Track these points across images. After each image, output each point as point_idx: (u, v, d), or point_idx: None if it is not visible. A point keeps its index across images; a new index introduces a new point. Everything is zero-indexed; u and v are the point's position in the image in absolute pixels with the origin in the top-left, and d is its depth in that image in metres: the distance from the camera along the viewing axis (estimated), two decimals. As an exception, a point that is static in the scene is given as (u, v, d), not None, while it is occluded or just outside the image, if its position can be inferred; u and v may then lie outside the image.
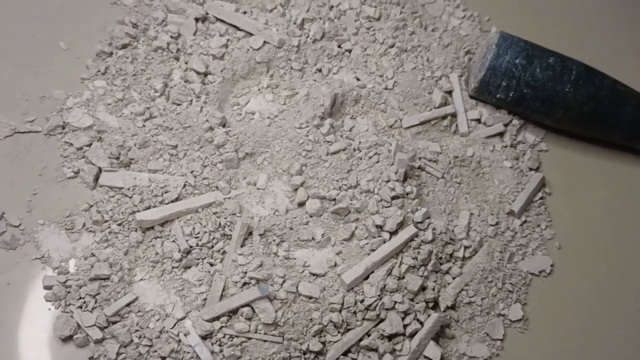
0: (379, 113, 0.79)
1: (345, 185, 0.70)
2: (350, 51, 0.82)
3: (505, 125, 0.80)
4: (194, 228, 0.68)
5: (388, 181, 0.70)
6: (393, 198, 0.69)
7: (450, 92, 0.81)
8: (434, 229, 0.70)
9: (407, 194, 0.71)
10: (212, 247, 0.67)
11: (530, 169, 0.79)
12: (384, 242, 0.68)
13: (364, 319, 0.65)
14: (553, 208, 0.77)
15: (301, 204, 0.70)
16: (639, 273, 0.74)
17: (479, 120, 0.81)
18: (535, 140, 0.81)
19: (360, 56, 0.82)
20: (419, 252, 0.68)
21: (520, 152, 0.80)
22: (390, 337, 0.65)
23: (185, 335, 0.64)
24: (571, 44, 0.86)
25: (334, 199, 0.69)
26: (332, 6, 0.85)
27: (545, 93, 0.77)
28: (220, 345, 0.64)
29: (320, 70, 0.80)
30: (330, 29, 0.82)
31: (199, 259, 0.67)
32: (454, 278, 0.70)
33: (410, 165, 0.72)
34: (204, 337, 0.64)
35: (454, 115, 0.80)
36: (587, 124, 0.79)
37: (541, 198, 0.77)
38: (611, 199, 0.79)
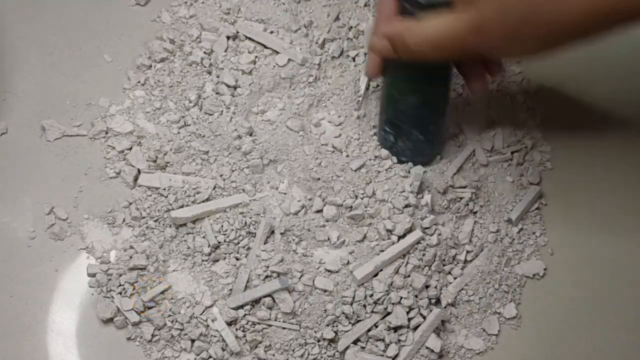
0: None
1: (362, 194, 0.75)
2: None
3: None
4: (222, 226, 0.73)
5: (403, 191, 0.75)
6: (405, 206, 0.74)
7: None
8: (439, 234, 0.74)
9: (420, 204, 0.75)
10: (238, 243, 0.73)
11: (531, 183, 0.82)
12: (393, 244, 0.73)
13: (372, 311, 0.70)
14: (548, 218, 0.81)
15: (318, 211, 0.75)
16: (623, 276, 0.78)
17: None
18: (542, 159, 0.84)
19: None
20: (424, 254, 0.73)
21: (524, 168, 0.83)
22: (396, 329, 0.70)
23: (212, 321, 0.70)
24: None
25: (350, 207, 0.74)
26: (351, 27, 0.89)
27: None
28: (243, 330, 0.69)
29: (338, 86, 0.84)
30: (349, 48, 0.87)
31: (226, 254, 0.73)
32: (455, 278, 0.75)
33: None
34: (229, 323, 0.69)
35: None
36: None
37: (537, 208, 0.81)
38: (603, 213, 0.82)
